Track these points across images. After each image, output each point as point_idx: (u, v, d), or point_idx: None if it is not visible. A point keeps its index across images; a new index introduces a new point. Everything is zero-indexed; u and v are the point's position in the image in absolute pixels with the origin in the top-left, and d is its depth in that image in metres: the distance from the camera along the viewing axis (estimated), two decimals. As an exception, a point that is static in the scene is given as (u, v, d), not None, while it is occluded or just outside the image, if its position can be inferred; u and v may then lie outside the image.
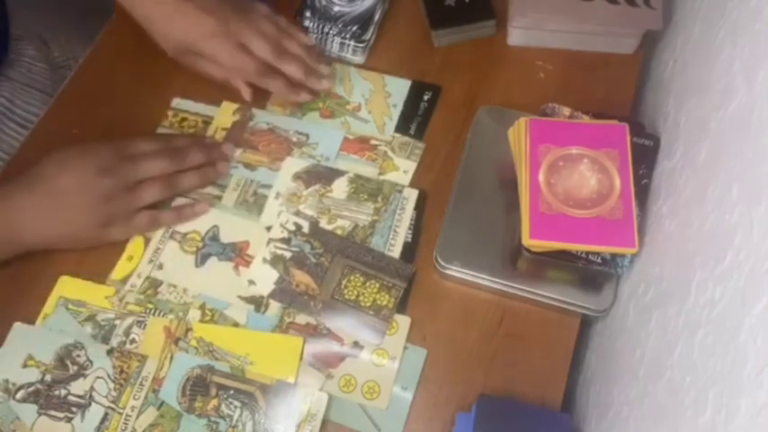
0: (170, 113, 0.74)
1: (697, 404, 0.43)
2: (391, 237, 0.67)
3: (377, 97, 0.75)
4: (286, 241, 0.67)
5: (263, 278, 0.65)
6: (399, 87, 0.76)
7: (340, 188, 0.70)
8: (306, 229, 0.67)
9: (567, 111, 0.69)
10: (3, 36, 0.81)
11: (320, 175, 0.70)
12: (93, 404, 0.59)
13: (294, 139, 0.72)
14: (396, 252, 0.67)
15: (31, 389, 0.60)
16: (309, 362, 0.62)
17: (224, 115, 0.74)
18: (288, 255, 0.66)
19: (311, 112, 0.75)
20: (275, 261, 0.66)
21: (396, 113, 0.74)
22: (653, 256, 0.60)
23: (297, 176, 0.70)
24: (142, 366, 0.61)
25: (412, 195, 0.69)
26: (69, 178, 0.61)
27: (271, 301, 0.64)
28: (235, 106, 0.74)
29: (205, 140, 0.71)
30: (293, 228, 0.67)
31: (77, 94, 0.76)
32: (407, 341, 0.63)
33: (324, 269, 0.65)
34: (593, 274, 0.64)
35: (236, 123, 0.73)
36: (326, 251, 0.66)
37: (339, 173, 0.71)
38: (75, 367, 0.61)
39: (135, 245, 0.66)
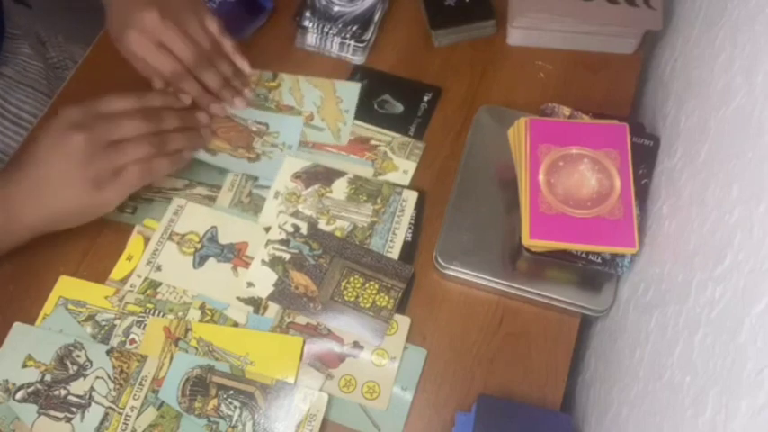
0: (170, 113, 0.74)
1: (697, 404, 0.43)
2: (390, 239, 0.67)
3: (328, 104, 0.75)
4: (284, 243, 0.67)
5: (262, 280, 0.65)
6: (349, 91, 0.75)
7: (339, 189, 0.70)
8: (304, 231, 0.67)
9: (566, 111, 0.69)
10: None
11: (320, 176, 0.70)
12: (92, 404, 0.59)
13: (254, 129, 0.72)
14: (395, 254, 0.66)
15: (30, 389, 0.60)
16: (309, 362, 0.62)
17: None
18: (286, 256, 0.66)
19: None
20: (274, 263, 0.66)
21: (349, 119, 0.74)
22: (653, 256, 0.60)
23: (296, 176, 0.70)
24: (142, 366, 0.61)
25: (411, 197, 0.69)
26: (44, 145, 0.59)
27: (270, 303, 0.64)
28: None
29: (177, 102, 0.69)
30: (291, 229, 0.67)
31: (77, 94, 0.75)
32: (407, 341, 0.63)
33: (323, 270, 0.65)
34: (593, 274, 0.64)
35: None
36: (325, 252, 0.66)
37: (339, 173, 0.71)
38: (75, 367, 0.61)
39: (134, 244, 0.66)
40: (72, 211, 0.61)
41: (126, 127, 0.61)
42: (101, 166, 0.59)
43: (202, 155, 0.69)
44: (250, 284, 0.65)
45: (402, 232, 0.68)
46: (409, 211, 0.69)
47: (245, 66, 0.73)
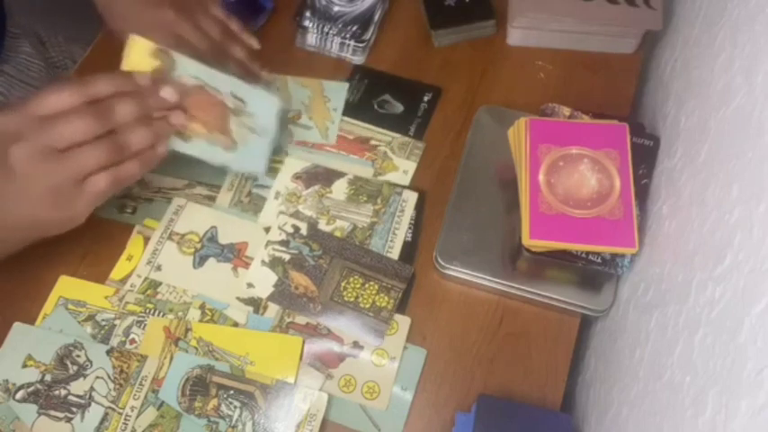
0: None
1: (697, 404, 0.43)
2: (390, 239, 0.67)
3: (316, 103, 0.75)
4: (284, 243, 0.67)
5: (262, 281, 0.65)
6: (337, 91, 0.76)
7: (340, 189, 0.70)
8: (304, 231, 0.67)
9: (567, 111, 0.69)
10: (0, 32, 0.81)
11: (320, 176, 0.70)
12: (92, 404, 0.59)
13: (230, 105, 0.62)
14: (395, 254, 0.66)
15: (30, 389, 0.60)
16: (309, 362, 0.62)
17: (138, 56, 0.58)
18: (286, 257, 0.66)
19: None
20: (274, 263, 0.66)
21: (337, 117, 0.74)
22: (653, 256, 0.60)
23: (296, 177, 0.70)
24: (142, 366, 0.61)
25: (411, 198, 0.69)
26: None
27: (269, 303, 0.64)
28: (150, 46, 0.59)
29: (134, 78, 0.56)
30: (291, 230, 0.67)
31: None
32: (407, 341, 0.63)
33: (323, 271, 0.65)
34: (593, 274, 0.64)
35: (155, 72, 0.58)
36: (325, 253, 0.66)
37: (339, 174, 0.71)
38: (75, 367, 0.60)
39: (134, 244, 0.66)
40: (41, 226, 0.55)
41: (70, 130, 0.51)
42: (52, 180, 0.51)
43: (175, 142, 0.59)
44: (250, 285, 0.65)
45: (402, 232, 0.68)
46: (409, 211, 0.69)
47: (253, 42, 0.71)
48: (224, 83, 0.62)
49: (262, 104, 0.65)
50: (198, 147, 0.60)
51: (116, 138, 0.54)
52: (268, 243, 0.66)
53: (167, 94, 0.57)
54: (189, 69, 0.60)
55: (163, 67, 0.59)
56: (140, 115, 0.55)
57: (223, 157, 0.62)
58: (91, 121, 0.52)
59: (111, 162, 0.53)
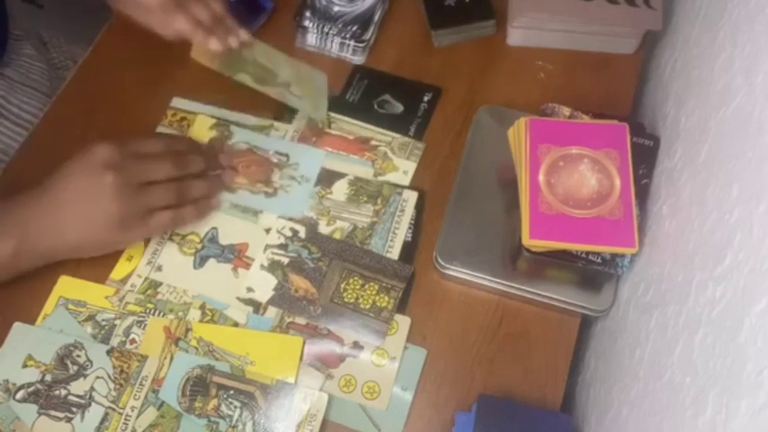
0: (169, 113, 0.74)
1: (697, 404, 0.43)
2: (390, 239, 0.67)
3: (301, 80, 0.73)
4: (283, 247, 0.67)
5: (262, 285, 0.65)
6: (318, 80, 0.72)
7: (340, 190, 0.70)
8: (302, 234, 0.67)
9: (567, 111, 0.69)
10: (2, 35, 0.81)
11: (320, 177, 0.70)
12: (93, 404, 0.59)
13: (275, 160, 0.71)
14: (395, 254, 0.66)
15: (30, 389, 0.60)
16: (309, 362, 0.62)
17: (200, 129, 0.72)
18: (285, 260, 0.66)
19: (241, 74, 0.72)
20: (273, 267, 0.66)
21: (322, 98, 0.72)
22: (653, 256, 0.60)
23: (297, 177, 0.71)
24: (142, 366, 0.61)
25: (411, 198, 0.69)
26: (74, 179, 0.59)
27: (270, 306, 0.64)
28: (211, 121, 0.73)
29: (202, 146, 0.70)
30: (290, 233, 0.67)
31: (78, 95, 0.76)
32: (407, 341, 0.63)
33: (322, 273, 0.65)
34: (593, 274, 0.64)
35: (213, 140, 0.72)
36: (324, 255, 0.66)
37: (339, 175, 0.71)
38: (76, 367, 0.61)
39: (135, 244, 0.66)
40: (91, 245, 0.62)
41: (157, 170, 0.62)
42: (131, 207, 0.60)
43: (224, 195, 0.69)
44: (250, 290, 0.65)
45: (402, 232, 0.68)
46: (409, 211, 0.69)
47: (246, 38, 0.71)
48: (269, 143, 0.72)
49: (305, 156, 0.72)
50: (241, 197, 0.69)
51: (181, 184, 0.64)
52: (267, 247, 0.66)
53: (224, 160, 0.70)
54: (241, 137, 0.73)
55: (220, 137, 0.72)
56: (203, 171, 0.67)
57: (264, 204, 0.69)
58: (171, 166, 0.63)
59: (174, 203, 0.63)
